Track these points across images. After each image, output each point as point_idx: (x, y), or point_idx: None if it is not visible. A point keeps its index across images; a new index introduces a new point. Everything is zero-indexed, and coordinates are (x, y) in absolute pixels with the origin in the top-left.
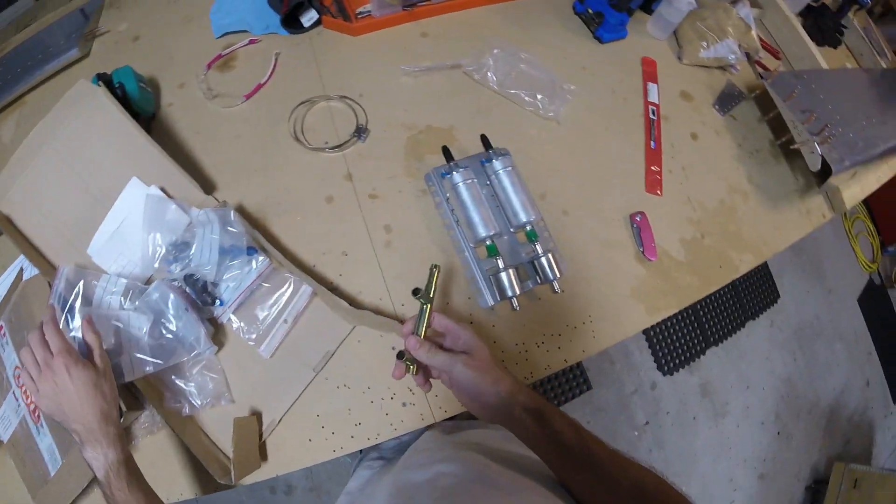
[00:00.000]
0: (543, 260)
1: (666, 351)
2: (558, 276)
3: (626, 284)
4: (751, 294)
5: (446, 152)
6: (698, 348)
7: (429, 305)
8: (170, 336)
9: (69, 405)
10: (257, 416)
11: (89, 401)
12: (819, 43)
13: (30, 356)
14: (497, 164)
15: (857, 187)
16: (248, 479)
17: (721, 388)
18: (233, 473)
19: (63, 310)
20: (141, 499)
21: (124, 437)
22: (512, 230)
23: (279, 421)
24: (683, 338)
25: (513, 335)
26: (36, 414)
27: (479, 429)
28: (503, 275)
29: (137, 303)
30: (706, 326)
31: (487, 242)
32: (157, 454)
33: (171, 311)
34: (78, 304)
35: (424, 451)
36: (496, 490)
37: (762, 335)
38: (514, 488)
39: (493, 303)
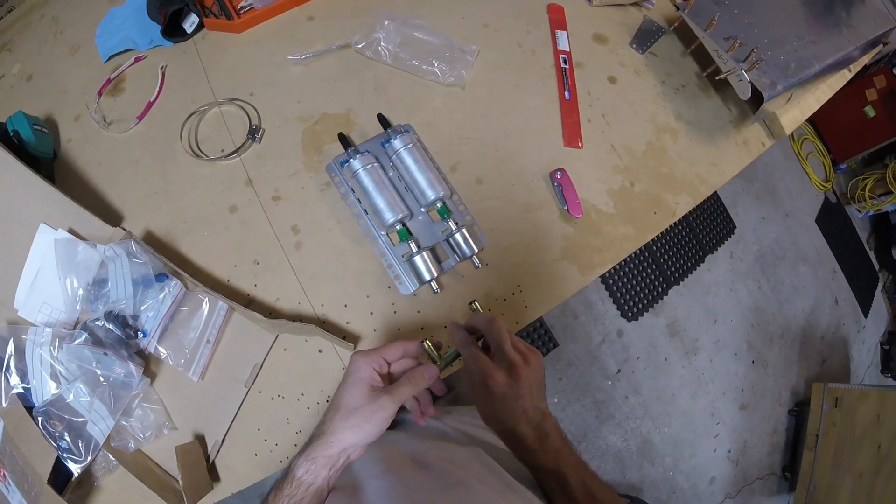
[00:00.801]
0: (458, 236)
1: (628, 297)
2: (476, 251)
3: (555, 246)
4: (706, 228)
5: (343, 139)
6: (660, 290)
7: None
8: (105, 383)
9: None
10: (200, 439)
11: (340, 392)
12: None
13: None
14: (397, 142)
15: (796, 111)
16: (205, 503)
17: (689, 325)
18: (185, 501)
19: (1, 369)
20: None
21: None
22: (424, 210)
23: (222, 441)
24: (643, 281)
25: (439, 319)
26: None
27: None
28: (417, 258)
29: (65, 364)
30: (665, 266)
31: (398, 227)
32: (120, 491)
33: (94, 363)
34: (13, 361)
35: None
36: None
37: (723, 267)
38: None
39: (413, 289)
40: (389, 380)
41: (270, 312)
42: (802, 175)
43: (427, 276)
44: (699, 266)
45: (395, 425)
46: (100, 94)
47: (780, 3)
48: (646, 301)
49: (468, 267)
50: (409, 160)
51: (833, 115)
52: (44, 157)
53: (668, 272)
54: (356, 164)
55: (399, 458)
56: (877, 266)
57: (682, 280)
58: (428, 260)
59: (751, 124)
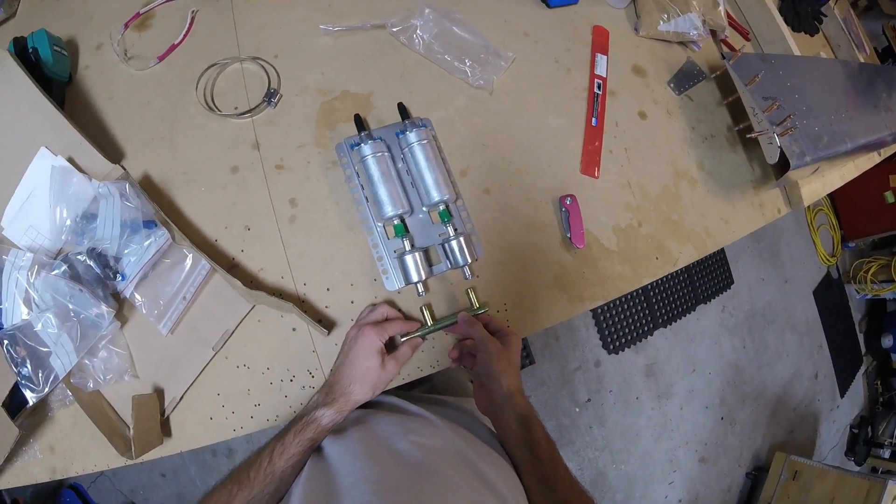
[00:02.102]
0: (454, 243)
1: (613, 329)
2: (469, 261)
3: (550, 272)
4: (704, 278)
5: (358, 121)
6: (646, 328)
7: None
8: (75, 319)
9: (348, 357)
10: (159, 392)
11: (360, 362)
12: (795, 28)
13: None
14: (412, 136)
15: (818, 184)
16: (152, 455)
17: (667, 369)
18: (133, 450)
19: None
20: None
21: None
22: (425, 209)
23: (180, 399)
24: (632, 317)
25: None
26: None
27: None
28: (408, 258)
29: (40, 293)
30: (656, 307)
31: (395, 222)
32: (71, 426)
33: (68, 297)
34: None
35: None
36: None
37: (713, 319)
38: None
39: (398, 286)
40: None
41: (251, 281)
42: (810, 245)
43: (415, 277)
44: (689, 313)
45: (377, 405)
46: (126, 26)
47: (825, 74)
48: (630, 337)
49: (458, 275)
50: (420, 156)
51: (852, 193)
52: (58, 79)
53: (658, 313)
54: (366, 149)
55: (378, 441)
56: (863, 349)
57: (670, 324)
58: (419, 261)
59: (770, 189)
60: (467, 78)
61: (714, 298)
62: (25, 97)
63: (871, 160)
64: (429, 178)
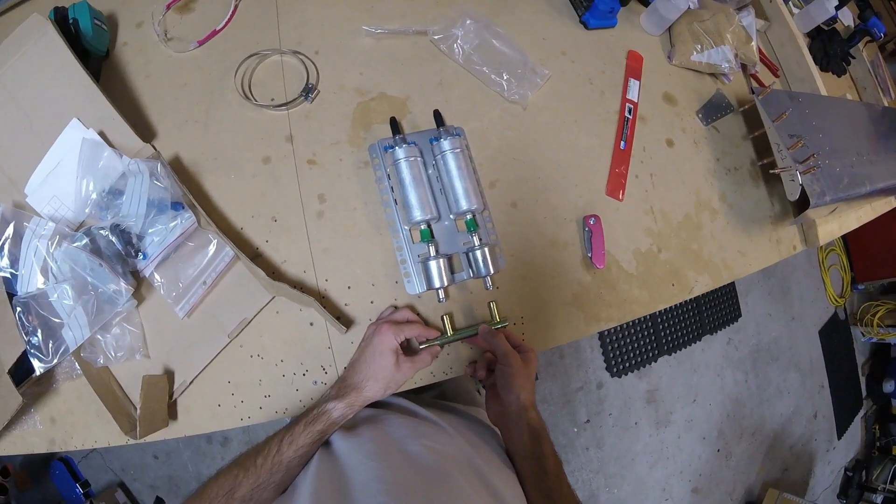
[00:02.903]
0: (479, 253)
1: (618, 353)
2: (492, 272)
3: (568, 290)
4: (713, 309)
5: (394, 124)
6: (651, 355)
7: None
8: (93, 293)
9: (365, 354)
10: (169, 375)
11: (375, 360)
12: (823, 68)
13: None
14: (445, 144)
15: (834, 224)
16: (155, 437)
17: (667, 397)
18: (138, 430)
19: None
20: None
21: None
22: (452, 217)
23: (190, 383)
24: (638, 342)
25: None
26: None
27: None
28: (432, 263)
29: (59, 263)
30: (662, 334)
31: (422, 227)
32: (75, 400)
33: (88, 270)
34: (8, 244)
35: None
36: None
37: (717, 351)
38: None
39: (419, 291)
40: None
41: (273, 272)
42: (820, 284)
43: (437, 284)
44: (695, 343)
45: (388, 406)
46: (168, 7)
47: (849, 116)
48: (634, 362)
49: (478, 285)
50: (452, 164)
51: (866, 236)
52: (96, 53)
53: (664, 340)
54: (400, 153)
55: (390, 442)
56: (864, 392)
57: (675, 352)
58: (443, 267)
59: (788, 225)
60: (503, 91)
61: (721, 330)
62: (62, 67)
63: (888, 204)
64: (459, 186)
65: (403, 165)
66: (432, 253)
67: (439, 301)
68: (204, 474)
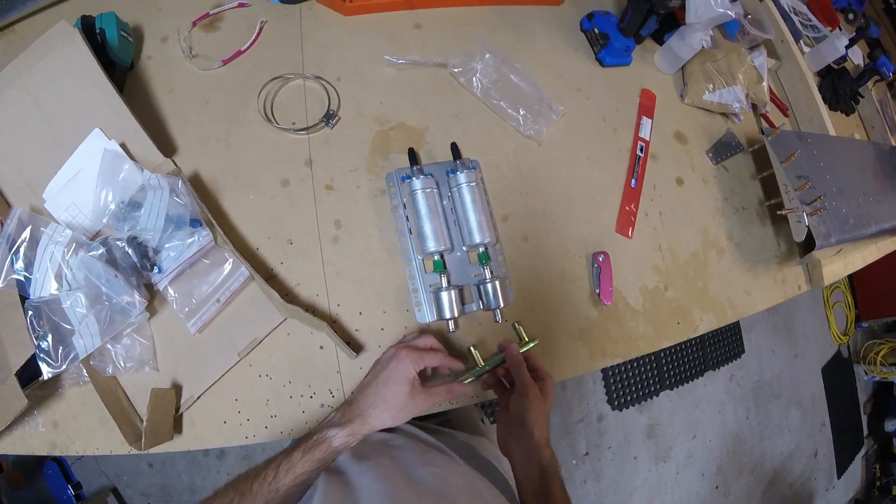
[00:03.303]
0: (489, 286)
1: (620, 386)
2: (502, 305)
3: (575, 325)
4: (716, 344)
5: (412, 155)
6: (653, 389)
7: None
8: (107, 303)
9: (378, 378)
10: (177, 389)
11: (387, 386)
12: (832, 107)
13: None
14: (461, 176)
15: (839, 265)
16: (159, 449)
17: (668, 432)
18: (143, 441)
19: (10, 251)
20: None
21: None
22: (465, 248)
23: (198, 398)
24: (640, 376)
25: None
26: None
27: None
28: (444, 294)
29: (73, 271)
30: (665, 369)
31: (435, 257)
32: (79, 406)
33: (104, 280)
34: (24, 247)
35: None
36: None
37: (720, 387)
38: None
39: (430, 320)
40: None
41: (287, 294)
42: (824, 322)
43: (447, 314)
44: (697, 378)
45: (394, 430)
46: (194, 24)
47: (857, 156)
48: (636, 395)
49: (488, 316)
50: (467, 197)
51: (871, 274)
52: (121, 64)
53: (666, 375)
54: (417, 184)
55: (397, 466)
56: (865, 431)
57: (677, 387)
58: (454, 298)
59: (794, 266)
60: (519, 126)
61: (724, 366)
62: (87, 76)
63: (894, 243)
64: (473, 219)
65: (420, 196)
66: (444, 284)
67: (449, 331)
68: (198, 485)
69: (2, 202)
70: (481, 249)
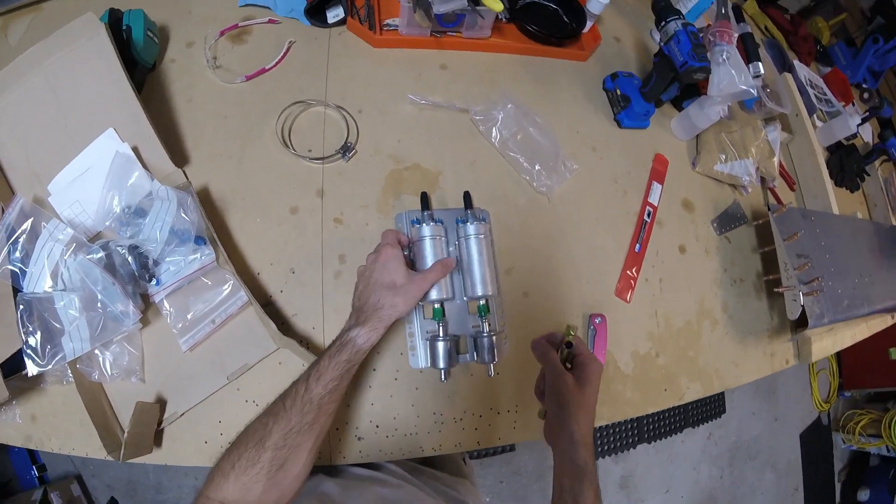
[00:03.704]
0: (485, 340)
1: (598, 435)
2: (497, 360)
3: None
4: (698, 403)
5: (424, 200)
6: (630, 441)
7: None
8: (101, 310)
9: (372, 275)
10: (162, 403)
11: (384, 274)
12: (838, 183)
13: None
14: (471, 228)
15: (829, 341)
16: (137, 460)
17: (641, 484)
18: (122, 452)
19: (8, 240)
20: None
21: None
22: (465, 298)
23: (181, 415)
24: (618, 427)
25: (434, 403)
26: None
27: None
28: (440, 344)
29: (70, 272)
30: (645, 422)
31: (435, 305)
32: (61, 404)
33: (100, 286)
34: (23, 239)
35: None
36: None
37: (697, 444)
38: None
39: (423, 366)
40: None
41: (283, 323)
42: (807, 387)
43: (441, 364)
44: (676, 434)
45: (377, 467)
46: (221, 33)
47: (858, 234)
48: (613, 446)
49: (480, 368)
50: (474, 249)
51: (858, 345)
52: (143, 64)
53: (646, 429)
54: (426, 230)
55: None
56: (838, 499)
57: (655, 441)
58: (450, 349)
59: (784, 341)
60: (532, 181)
61: (703, 424)
62: (108, 73)
63: (884, 322)
64: (477, 272)
65: (427, 244)
66: (441, 333)
67: (442, 380)
68: (164, 485)
69: (5, 186)
70: (482, 302)
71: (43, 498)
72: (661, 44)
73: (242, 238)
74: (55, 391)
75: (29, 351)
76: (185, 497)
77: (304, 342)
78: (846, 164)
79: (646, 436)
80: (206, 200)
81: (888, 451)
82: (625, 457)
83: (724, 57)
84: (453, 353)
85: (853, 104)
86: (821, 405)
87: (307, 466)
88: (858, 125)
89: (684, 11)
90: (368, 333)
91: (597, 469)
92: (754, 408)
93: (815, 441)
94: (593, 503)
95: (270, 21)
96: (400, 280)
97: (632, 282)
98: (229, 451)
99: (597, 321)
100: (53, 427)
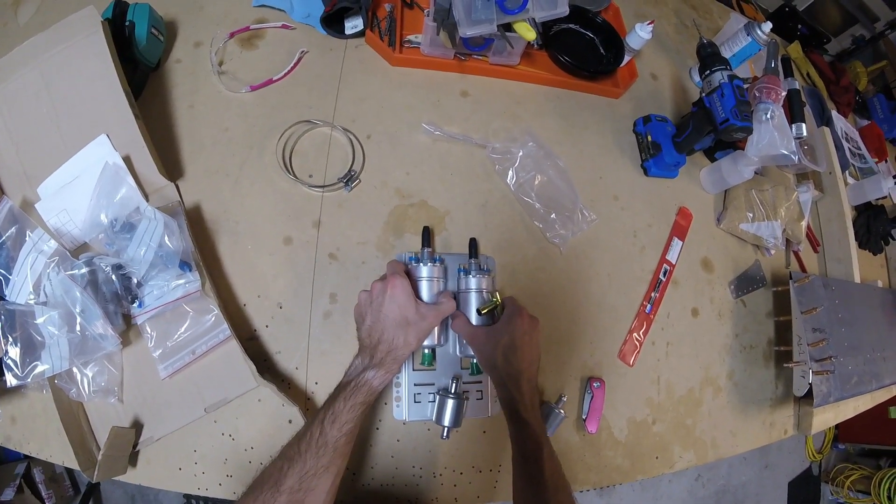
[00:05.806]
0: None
1: None
2: (489, 415)
3: (553, 446)
4: None
5: (426, 235)
6: None
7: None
8: (79, 332)
9: (382, 309)
10: (138, 427)
11: (395, 310)
12: (861, 245)
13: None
14: (472, 282)
15: (831, 414)
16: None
17: None
18: (96, 472)
19: None
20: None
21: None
22: (459, 356)
23: (157, 440)
24: None
25: (414, 456)
26: None
27: None
28: (450, 401)
29: (53, 285)
30: None
31: (426, 351)
32: (41, 411)
33: (79, 308)
34: (9, 243)
35: None
36: None
37: (684, 485)
38: None
39: (406, 419)
40: None
41: (265, 360)
42: (801, 437)
43: (447, 422)
44: (665, 473)
45: None
46: (231, 35)
47: (876, 304)
48: None
49: (465, 422)
50: (473, 306)
51: None
52: (145, 63)
53: None
54: (424, 270)
55: None
56: None
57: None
58: (437, 406)
59: (787, 415)
60: (545, 230)
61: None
62: (104, 77)
63: (888, 392)
64: None
65: (424, 285)
66: (430, 388)
67: (443, 437)
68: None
69: None
70: (474, 360)
71: (26, 472)
72: (703, 94)
73: (231, 265)
74: (36, 398)
75: (9, 362)
76: None
77: (286, 382)
78: (873, 226)
79: None
80: (197, 220)
81: None
82: (610, 492)
83: (769, 116)
84: (441, 409)
85: (886, 161)
86: (814, 455)
87: None
88: (891, 188)
89: (728, 55)
90: (385, 375)
91: (535, 414)
92: (746, 453)
93: (803, 491)
94: (530, 443)
95: (284, 26)
96: (412, 315)
97: (637, 344)
98: (245, 495)
99: (595, 386)
100: (33, 431)
